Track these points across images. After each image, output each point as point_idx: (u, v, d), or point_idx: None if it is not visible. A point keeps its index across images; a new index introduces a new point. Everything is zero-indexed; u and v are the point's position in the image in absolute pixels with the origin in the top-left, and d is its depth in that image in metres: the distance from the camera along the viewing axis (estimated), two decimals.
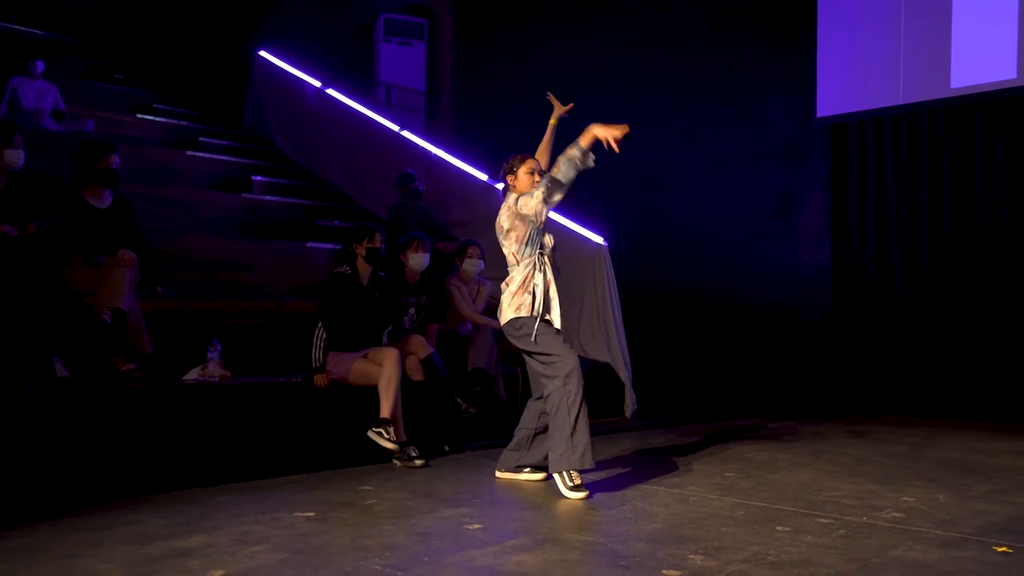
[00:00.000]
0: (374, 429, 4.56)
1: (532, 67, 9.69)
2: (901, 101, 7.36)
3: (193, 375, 4.70)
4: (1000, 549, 3.03)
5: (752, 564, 2.84)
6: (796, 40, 8.06)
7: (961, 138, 7.14)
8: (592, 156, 3.88)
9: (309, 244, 7.11)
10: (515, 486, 4.16)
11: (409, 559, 2.87)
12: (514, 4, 10.50)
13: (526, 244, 4.05)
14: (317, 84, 9.00)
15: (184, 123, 9.05)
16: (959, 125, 7.15)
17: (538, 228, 4.07)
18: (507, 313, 4.05)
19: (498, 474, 4.32)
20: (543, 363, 4.00)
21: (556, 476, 3.92)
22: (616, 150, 3.83)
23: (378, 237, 4.98)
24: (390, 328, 5.19)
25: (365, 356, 4.79)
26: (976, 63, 6.96)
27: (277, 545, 3.01)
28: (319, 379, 4.79)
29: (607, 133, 3.82)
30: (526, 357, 4.14)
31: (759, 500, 3.79)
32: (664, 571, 2.76)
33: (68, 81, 8.66)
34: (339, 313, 4.85)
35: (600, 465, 4.24)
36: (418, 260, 5.36)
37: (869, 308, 7.56)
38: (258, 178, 8.11)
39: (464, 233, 6.64)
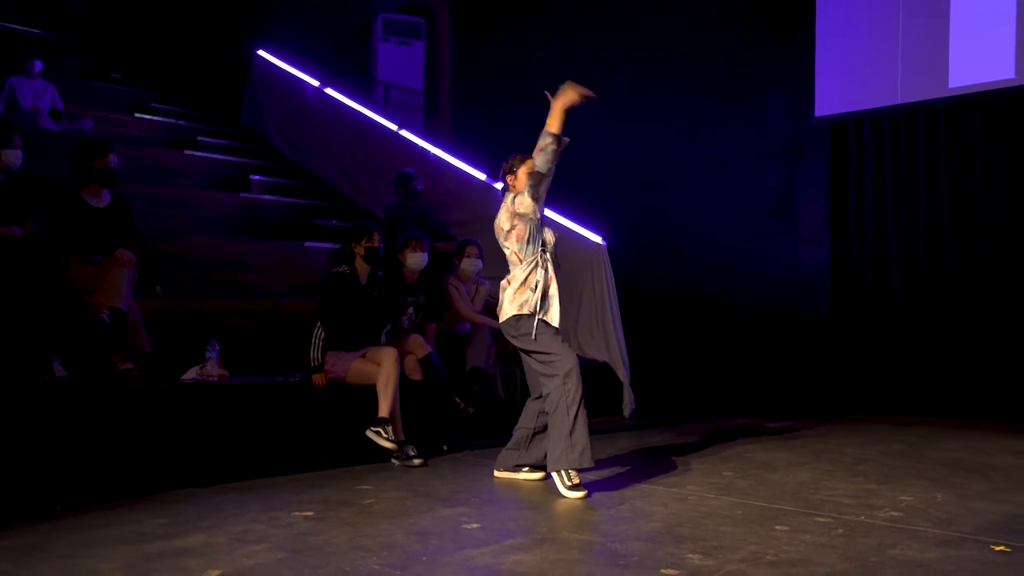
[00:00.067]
0: (372, 428, 4.56)
1: (532, 67, 9.67)
2: (900, 101, 7.37)
3: (191, 374, 4.69)
4: (998, 548, 3.04)
5: (750, 563, 2.84)
6: (795, 40, 8.07)
7: (959, 137, 7.15)
8: (565, 139, 3.92)
9: (307, 243, 7.09)
10: (513, 485, 4.16)
11: (407, 558, 2.87)
12: (514, 4, 10.49)
13: (528, 242, 4.05)
14: (315, 83, 8.98)
15: (182, 122, 9.03)
16: (957, 124, 7.16)
17: (537, 224, 4.07)
18: (508, 310, 4.04)
19: (496, 473, 4.32)
20: (542, 362, 4.00)
21: (555, 475, 3.92)
22: (592, 95, 3.88)
23: (376, 236, 4.98)
24: (388, 327, 5.19)
25: (363, 355, 4.79)
26: (974, 63, 6.97)
27: (275, 544, 3.01)
28: (317, 378, 4.79)
29: (571, 98, 3.87)
30: (524, 356, 4.13)
31: (757, 499, 3.79)
32: (662, 570, 2.76)
33: (66, 80, 8.63)
34: (337, 312, 4.85)
35: (599, 464, 4.24)
36: (416, 259, 5.36)
37: (868, 308, 7.57)
38: (256, 177, 8.09)
39: (462, 233, 6.63)
